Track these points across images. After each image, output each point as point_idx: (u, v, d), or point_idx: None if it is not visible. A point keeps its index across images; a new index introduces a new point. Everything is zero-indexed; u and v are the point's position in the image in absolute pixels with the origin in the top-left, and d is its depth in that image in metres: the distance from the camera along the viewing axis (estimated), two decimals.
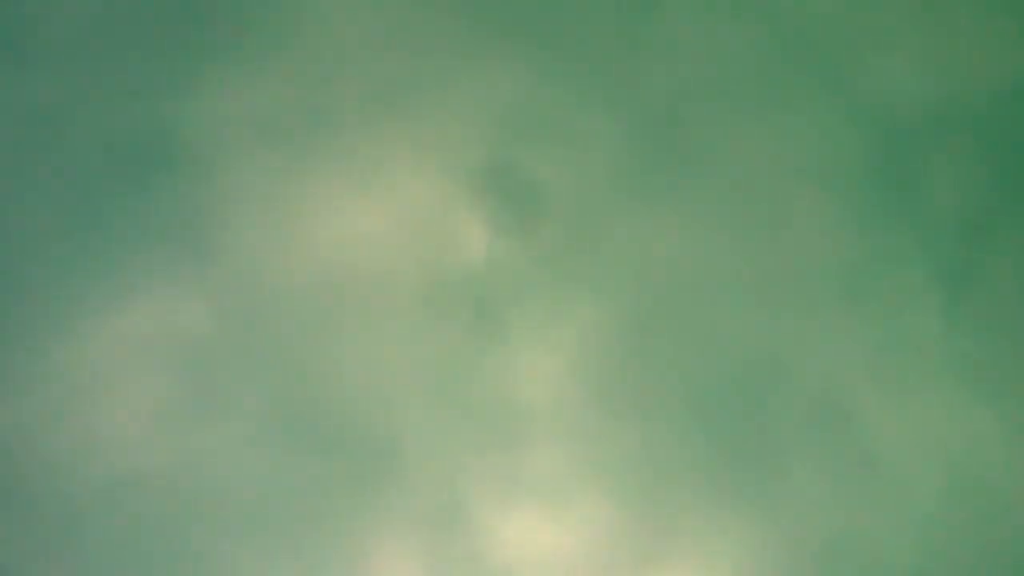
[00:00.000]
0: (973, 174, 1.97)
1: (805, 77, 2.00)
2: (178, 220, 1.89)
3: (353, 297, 1.88)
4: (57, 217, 1.88)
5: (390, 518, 1.81)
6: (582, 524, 1.83)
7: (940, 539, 1.85)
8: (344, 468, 1.82)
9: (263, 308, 1.87)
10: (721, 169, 1.96)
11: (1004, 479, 1.87)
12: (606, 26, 2.00)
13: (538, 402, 1.86)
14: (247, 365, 1.85)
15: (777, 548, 1.84)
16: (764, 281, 1.92)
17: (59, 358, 1.83)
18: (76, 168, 1.90)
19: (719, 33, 2.01)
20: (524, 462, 1.84)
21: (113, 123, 1.91)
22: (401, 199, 1.92)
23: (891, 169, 1.97)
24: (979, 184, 1.97)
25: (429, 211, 1.92)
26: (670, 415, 1.87)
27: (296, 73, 1.96)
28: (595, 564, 1.82)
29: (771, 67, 2.00)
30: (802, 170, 1.97)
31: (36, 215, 1.88)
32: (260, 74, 1.95)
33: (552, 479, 1.84)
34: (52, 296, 1.85)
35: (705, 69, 1.99)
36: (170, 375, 1.83)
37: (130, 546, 1.78)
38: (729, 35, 2.01)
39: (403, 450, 1.83)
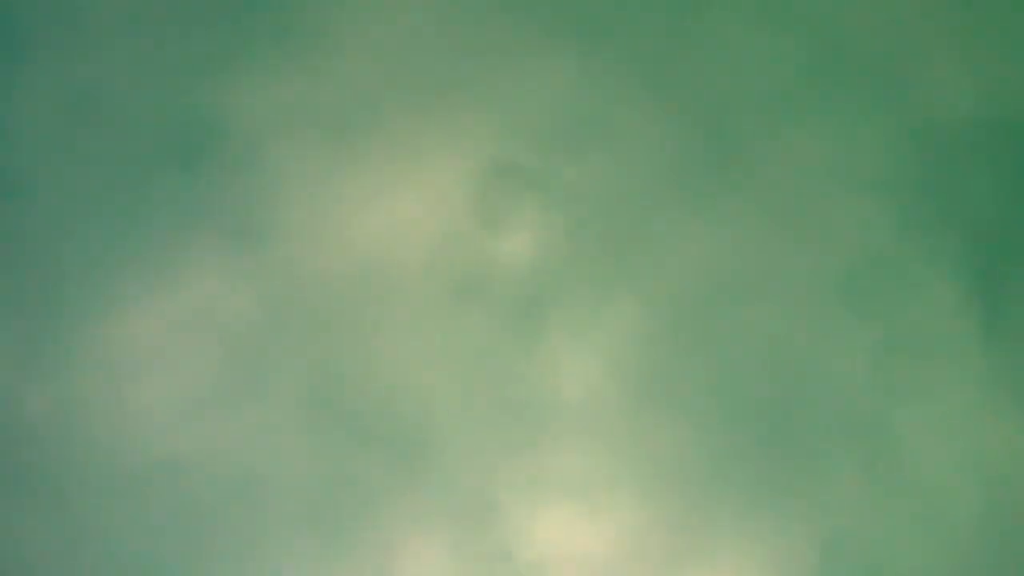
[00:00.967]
0: (1015, 184, 1.96)
1: (851, 86, 1.99)
2: (223, 206, 1.89)
3: (393, 288, 1.88)
4: (104, 200, 1.88)
5: (422, 511, 1.81)
6: (614, 524, 1.82)
7: (974, 551, 1.84)
8: (378, 459, 1.82)
9: (304, 296, 1.87)
10: (764, 174, 1.96)
11: None
12: (653, 27, 2.00)
13: (573, 401, 1.86)
14: (286, 352, 1.85)
15: (807, 552, 1.83)
16: (803, 287, 1.91)
17: (100, 340, 1.83)
18: (125, 152, 1.90)
19: (767, 39, 2.00)
20: (557, 460, 1.84)
21: (163, 108, 1.92)
22: (444, 193, 1.92)
23: (934, 178, 1.96)
24: (1021, 195, 1.96)
25: (472, 206, 1.92)
26: (705, 418, 1.86)
27: (343, 64, 1.96)
28: (626, 564, 1.81)
29: (817, 75, 1.99)
30: (845, 177, 1.96)
31: (83, 197, 1.89)
32: (308, 64, 1.95)
33: (585, 478, 1.84)
34: (96, 278, 1.86)
35: (751, 74, 1.99)
36: (209, 360, 1.84)
37: (164, 529, 1.78)
38: (777, 41, 2.01)
39: (437, 444, 1.83)
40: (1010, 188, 1.96)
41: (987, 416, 1.88)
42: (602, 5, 2.01)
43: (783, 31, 2.01)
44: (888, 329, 1.90)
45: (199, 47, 1.95)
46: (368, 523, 1.80)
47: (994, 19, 2.04)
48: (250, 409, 1.83)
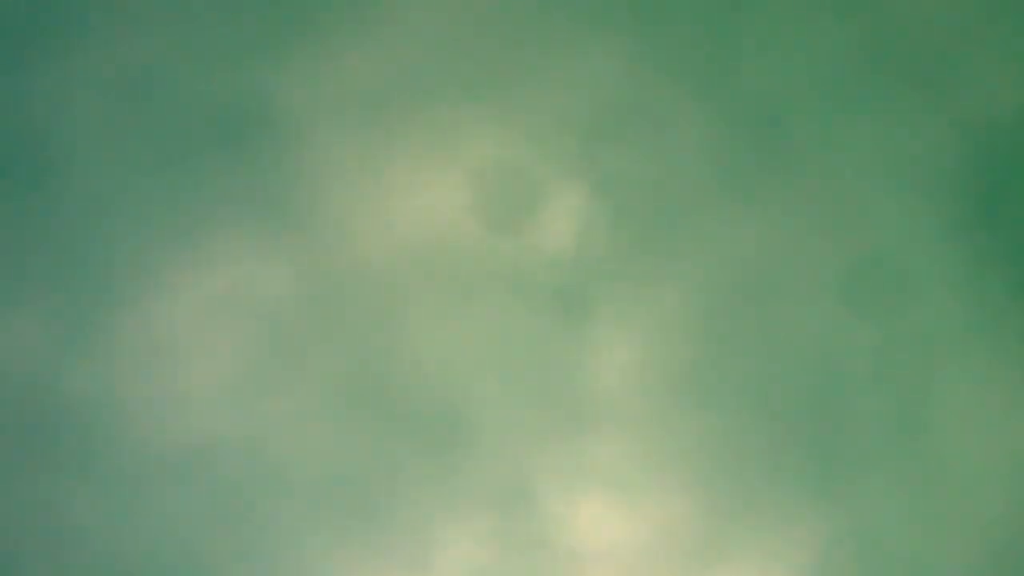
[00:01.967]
0: None
1: (901, 80, 1.98)
2: (267, 186, 1.90)
3: (433, 274, 1.88)
4: (148, 180, 1.89)
5: (458, 498, 1.81)
6: (650, 514, 1.82)
7: (1009, 548, 1.83)
8: (415, 446, 1.82)
9: (344, 281, 1.87)
10: (810, 167, 1.95)
11: None
12: (701, 18, 1.99)
13: (613, 391, 1.86)
14: (326, 335, 1.85)
15: (843, 547, 1.83)
16: (847, 282, 1.91)
17: (139, 321, 1.84)
18: (171, 133, 1.91)
19: (817, 32, 1.99)
20: (595, 450, 1.84)
21: (209, 91, 1.92)
22: (486, 179, 1.92)
23: (983, 176, 1.95)
24: None
25: (516, 193, 1.92)
26: (744, 411, 1.86)
27: (392, 49, 1.96)
28: (661, 554, 1.81)
29: (867, 68, 1.98)
30: (893, 172, 1.95)
31: (128, 177, 1.89)
32: (356, 47, 1.95)
33: (622, 468, 1.84)
34: (138, 259, 1.86)
35: (800, 67, 1.98)
36: (247, 343, 1.84)
37: (200, 510, 1.79)
38: (826, 35, 1.99)
39: (475, 431, 1.83)
40: None
41: None
42: None
43: (832, 24, 2.00)
44: (931, 327, 1.90)
45: (247, 30, 1.95)
46: (404, 509, 1.81)
47: None
48: (288, 393, 1.83)
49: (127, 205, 1.88)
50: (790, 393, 1.87)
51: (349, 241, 1.89)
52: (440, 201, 1.91)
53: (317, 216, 1.89)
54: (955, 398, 1.88)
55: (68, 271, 1.85)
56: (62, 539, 1.77)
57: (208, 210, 1.88)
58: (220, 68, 1.93)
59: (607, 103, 1.96)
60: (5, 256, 1.85)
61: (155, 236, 1.87)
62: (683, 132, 1.95)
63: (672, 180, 1.94)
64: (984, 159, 1.96)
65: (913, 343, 1.89)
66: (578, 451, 1.84)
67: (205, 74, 1.93)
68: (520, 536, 1.81)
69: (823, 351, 1.88)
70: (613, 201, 1.92)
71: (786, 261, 1.91)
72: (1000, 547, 1.83)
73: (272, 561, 1.79)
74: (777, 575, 1.82)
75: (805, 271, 1.91)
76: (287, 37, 1.95)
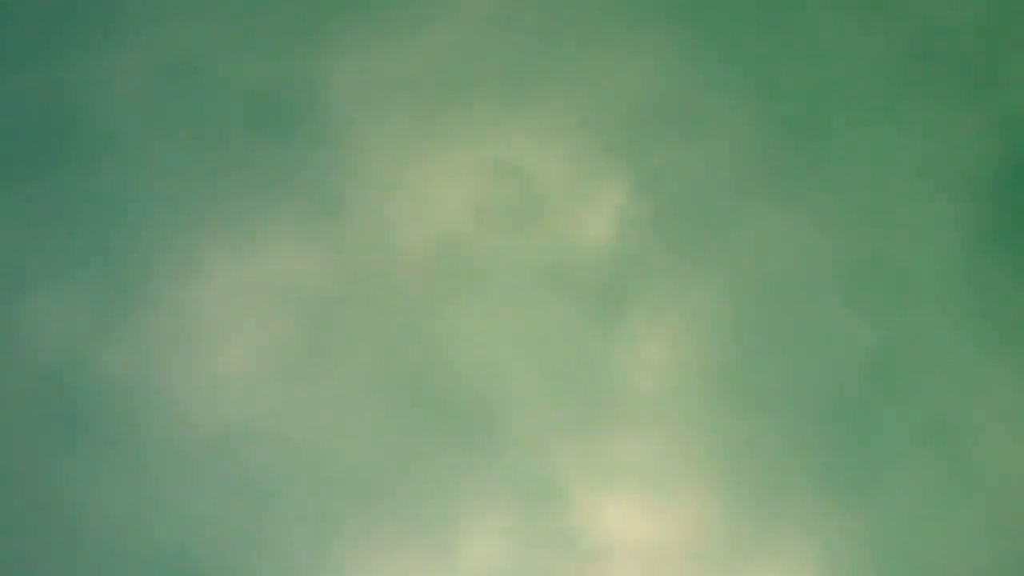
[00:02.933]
0: None
1: (941, 86, 1.96)
2: (307, 174, 1.90)
3: (471, 267, 1.88)
4: (190, 164, 1.90)
5: (488, 491, 1.81)
6: (679, 515, 1.82)
7: None
8: (447, 437, 1.83)
9: (383, 270, 1.88)
10: (849, 170, 1.93)
11: None
12: (745, 15, 1.98)
13: (646, 389, 1.85)
14: (362, 324, 1.86)
15: (874, 554, 1.81)
16: (884, 285, 1.89)
17: (176, 304, 1.85)
18: (214, 118, 1.92)
19: (860, 32, 1.98)
20: (626, 449, 1.84)
21: (252, 75, 1.93)
22: (529, 173, 1.92)
23: (1019, 182, 1.93)
24: None
25: (555, 189, 1.91)
26: (777, 413, 1.85)
27: (434, 41, 1.96)
28: (689, 554, 1.81)
29: (906, 73, 1.97)
30: (932, 178, 1.93)
31: (170, 160, 1.91)
32: (400, 38, 1.96)
33: (653, 467, 1.83)
34: (176, 242, 1.87)
35: (842, 69, 1.97)
36: (284, 330, 1.85)
37: (232, 497, 1.80)
38: (869, 35, 1.98)
39: (507, 424, 1.83)
40: None
41: None
42: None
43: (876, 25, 1.99)
44: (966, 333, 1.88)
45: (295, 16, 1.96)
46: (434, 500, 1.81)
47: None
48: (322, 381, 1.84)
49: (165, 189, 1.89)
50: (822, 400, 1.86)
51: (388, 231, 1.89)
52: (482, 193, 1.91)
53: (356, 204, 1.90)
54: (998, 419, 1.86)
55: (104, 255, 1.87)
56: (88, 522, 1.79)
57: (247, 196, 1.89)
58: (268, 55, 1.94)
59: (653, 99, 1.95)
60: (44, 238, 1.87)
61: (193, 221, 1.88)
62: (724, 132, 1.94)
63: (712, 180, 1.93)
64: (1018, 166, 1.94)
65: (950, 355, 1.87)
66: (609, 449, 1.83)
67: (253, 61, 1.94)
68: (546, 531, 1.80)
69: (858, 358, 1.87)
70: (655, 198, 1.91)
71: (821, 264, 1.90)
72: None
73: (299, 549, 1.79)
74: None
75: (840, 275, 1.90)
76: (330, 24, 1.96)
